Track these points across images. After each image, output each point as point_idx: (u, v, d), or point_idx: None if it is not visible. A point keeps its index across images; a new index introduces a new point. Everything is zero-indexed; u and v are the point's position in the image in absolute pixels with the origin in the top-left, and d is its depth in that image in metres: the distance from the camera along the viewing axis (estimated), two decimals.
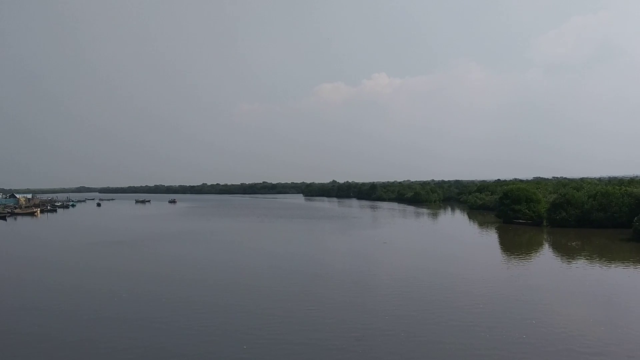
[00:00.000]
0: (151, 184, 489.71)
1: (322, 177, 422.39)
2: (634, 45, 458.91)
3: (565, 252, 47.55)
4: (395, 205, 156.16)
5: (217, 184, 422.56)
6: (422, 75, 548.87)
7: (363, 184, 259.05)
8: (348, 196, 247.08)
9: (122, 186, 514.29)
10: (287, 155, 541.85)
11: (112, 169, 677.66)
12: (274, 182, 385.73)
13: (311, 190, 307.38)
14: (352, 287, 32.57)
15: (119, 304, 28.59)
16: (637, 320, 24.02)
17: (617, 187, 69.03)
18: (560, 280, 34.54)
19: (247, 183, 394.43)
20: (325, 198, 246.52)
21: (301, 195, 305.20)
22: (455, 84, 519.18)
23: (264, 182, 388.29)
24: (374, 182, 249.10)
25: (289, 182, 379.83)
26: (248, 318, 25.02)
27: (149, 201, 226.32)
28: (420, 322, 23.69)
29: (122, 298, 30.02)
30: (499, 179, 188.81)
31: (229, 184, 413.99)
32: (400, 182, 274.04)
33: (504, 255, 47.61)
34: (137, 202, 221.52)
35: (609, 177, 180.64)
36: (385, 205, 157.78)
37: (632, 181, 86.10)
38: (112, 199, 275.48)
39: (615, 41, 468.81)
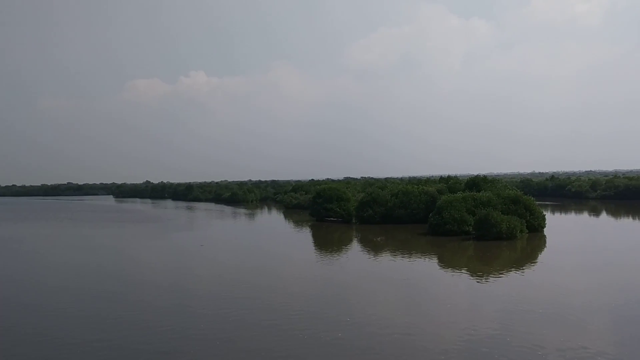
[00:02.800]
0: None
1: (134, 178, 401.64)
2: (428, 59, 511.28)
3: (373, 247, 50.86)
4: (212, 205, 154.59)
5: (14, 185, 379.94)
6: (241, 75, 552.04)
7: (179, 185, 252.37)
8: (163, 197, 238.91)
9: None
10: (96, 154, 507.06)
11: None
12: (81, 182, 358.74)
13: (122, 192, 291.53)
14: (167, 294, 31.30)
15: None
16: (436, 309, 26.42)
17: (416, 186, 75.44)
18: (369, 274, 36.80)
19: (49, 184, 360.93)
20: (138, 199, 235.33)
21: (111, 196, 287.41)
22: (273, 86, 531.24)
23: (69, 182, 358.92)
24: (190, 183, 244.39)
25: (98, 182, 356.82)
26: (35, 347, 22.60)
27: None
28: (238, 325, 23.39)
29: None
30: (312, 179, 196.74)
31: (27, 185, 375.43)
32: (217, 183, 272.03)
33: (318, 252, 49.49)
34: None
35: (410, 177, 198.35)
36: (202, 206, 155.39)
37: (427, 181, 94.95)
38: None
39: (414, 54, 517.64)
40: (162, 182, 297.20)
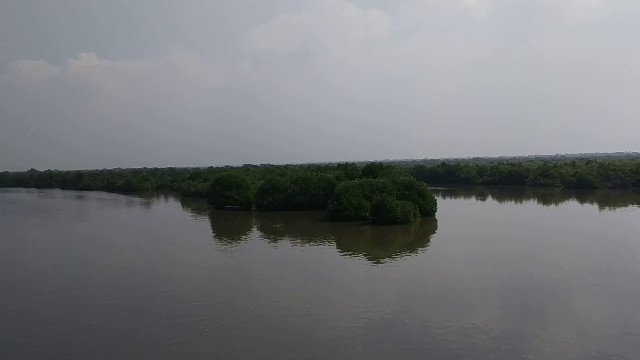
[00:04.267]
0: None
1: (17, 165, 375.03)
2: (329, 47, 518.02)
3: (273, 234, 50.95)
4: (105, 194, 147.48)
5: None
6: (135, 59, 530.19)
7: (68, 173, 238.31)
8: (50, 186, 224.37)
9: None
10: None
11: None
12: None
13: (4, 180, 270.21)
14: (55, 290, 29.60)
15: None
16: (336, 293, 26.98)
17: (315, 173, 76.26)
18: (270, 261, 36.92)
19: None
20: (22, 189, 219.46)
21: None
22: (170, 70, 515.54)
23: None
24: (80, 171, 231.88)
25: None
26: None
27: None
28: (134, 318, 22.63)
29: None
30: (211, 166, 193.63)
31: None
32: (110, 170, 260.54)
33: (217, 241, 48.85)
34: None
35: (309, 164, 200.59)
36: (93, 195, 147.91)
37: (326, 167, 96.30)
38: None
39: (314, 42, 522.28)
40: (49, 170, 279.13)
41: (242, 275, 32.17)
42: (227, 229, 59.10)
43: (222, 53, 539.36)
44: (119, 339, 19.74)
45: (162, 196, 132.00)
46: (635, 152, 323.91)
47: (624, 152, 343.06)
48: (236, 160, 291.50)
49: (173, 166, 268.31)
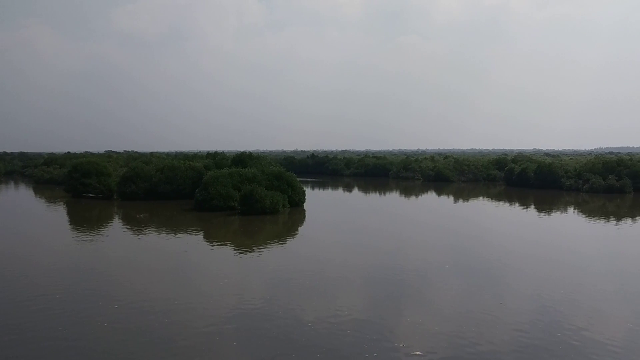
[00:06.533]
0: None
1: None
2: (202, 31, 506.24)
3: (136, 224, 48.46)
4: None
5: None
6: None
7: None
8: None
9: None
10: None
11: None
12: None
13: None
14: None
15: None
16: (204, 284, 26.08)
17: (182, 162, 74.02)
18: (133, 253, 35.13)
19: None
20: None
21: None
22: (24, 46, 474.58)
23: None
24: None
25: None
26: None
27: None
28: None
29: None
30: (69, 152, 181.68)
31: None
32: None
33: (74, 233, 45.49)
34: None
35: (176, 152, 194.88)
36: None
37: (194, 156, 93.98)
38: None
39: (185, 25, 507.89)
40: None
41: (102, 270, 29.96)
42: (85, 219, 55.21)
43: (85, 30, 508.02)
44: None
45: (12, 183, 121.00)
46: (487, 149, 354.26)
47: (477, 148, 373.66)
48: (97, 146, 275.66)
49: (25, 151, 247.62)
